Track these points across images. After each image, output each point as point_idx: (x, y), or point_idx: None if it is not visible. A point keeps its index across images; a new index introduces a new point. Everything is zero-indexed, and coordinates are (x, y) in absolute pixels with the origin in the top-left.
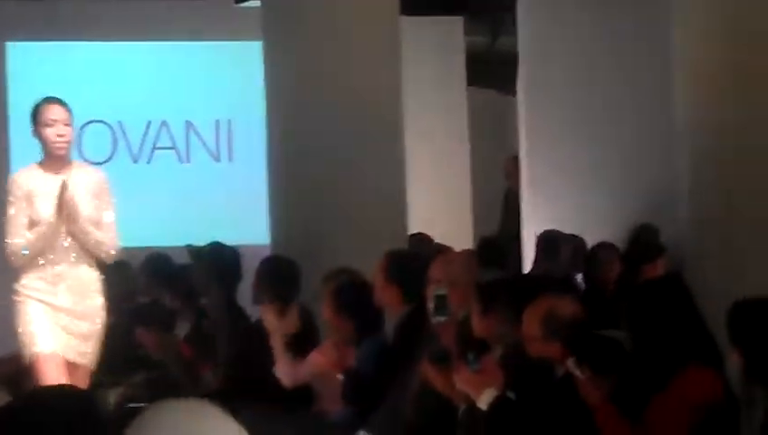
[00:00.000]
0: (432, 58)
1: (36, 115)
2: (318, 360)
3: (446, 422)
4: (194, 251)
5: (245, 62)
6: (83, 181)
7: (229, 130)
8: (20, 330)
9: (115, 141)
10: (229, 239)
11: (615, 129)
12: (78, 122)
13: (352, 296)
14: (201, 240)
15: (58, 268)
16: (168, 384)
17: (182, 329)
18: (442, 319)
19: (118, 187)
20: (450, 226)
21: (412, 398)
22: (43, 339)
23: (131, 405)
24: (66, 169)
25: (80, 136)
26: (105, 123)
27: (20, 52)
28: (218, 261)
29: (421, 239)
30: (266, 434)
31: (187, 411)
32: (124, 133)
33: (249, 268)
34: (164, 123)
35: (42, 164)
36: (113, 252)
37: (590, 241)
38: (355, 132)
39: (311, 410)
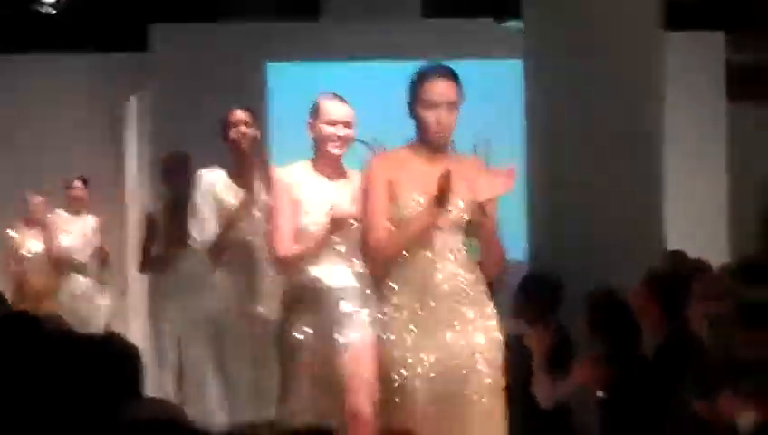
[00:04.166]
0: (691, 73)
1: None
2: (581, 375)
3: None
4: None
5: (502, 81)
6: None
7: (487, 150)
8: None
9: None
10: None
11: None
12: None
13: (611, 314)
14: None
15: None
16: None
17: None
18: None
19: None
20: (705, 241)
21: (678, 424)
22: None
23: None
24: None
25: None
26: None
27: (278, 71)
28: None
29: (677, 256)
30: None
31: None
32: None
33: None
34: None
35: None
36: None
37: None
38: (613, 149)
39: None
